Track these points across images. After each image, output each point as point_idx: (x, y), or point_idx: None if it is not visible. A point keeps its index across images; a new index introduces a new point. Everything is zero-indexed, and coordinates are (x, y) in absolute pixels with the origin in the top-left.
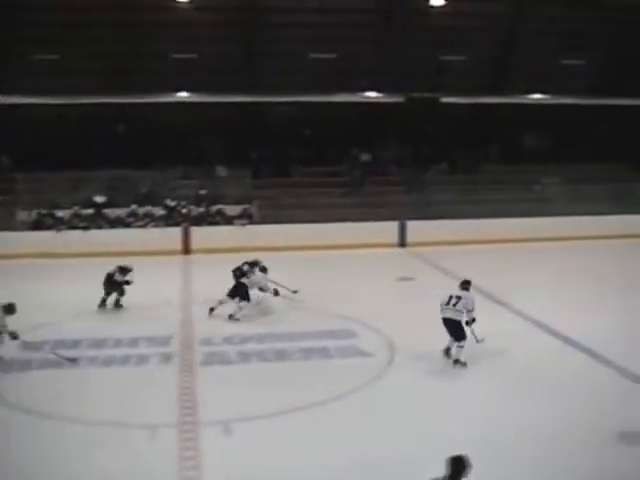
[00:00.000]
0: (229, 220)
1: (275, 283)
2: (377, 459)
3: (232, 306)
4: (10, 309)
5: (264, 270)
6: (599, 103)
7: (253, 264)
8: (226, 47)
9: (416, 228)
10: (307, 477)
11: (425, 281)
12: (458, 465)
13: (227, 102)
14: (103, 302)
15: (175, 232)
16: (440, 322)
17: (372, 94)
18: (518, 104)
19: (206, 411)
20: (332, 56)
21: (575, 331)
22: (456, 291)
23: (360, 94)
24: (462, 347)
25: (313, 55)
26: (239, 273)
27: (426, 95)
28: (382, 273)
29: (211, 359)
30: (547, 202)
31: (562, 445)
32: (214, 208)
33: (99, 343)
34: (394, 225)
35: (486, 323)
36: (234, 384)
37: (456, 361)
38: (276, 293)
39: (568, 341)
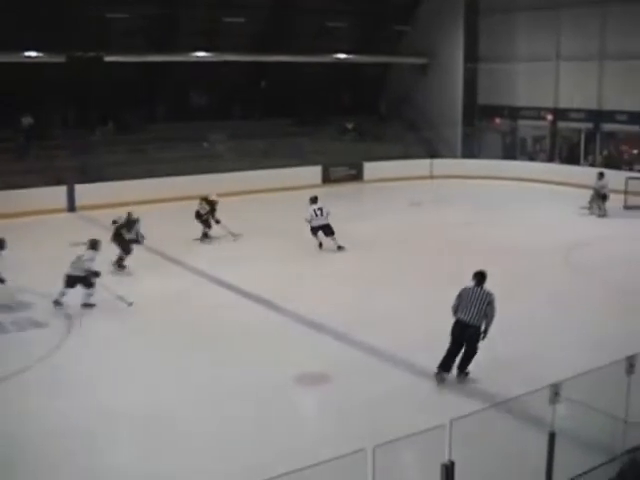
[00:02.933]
0: None
1: None
2: (63, 428)
3: None
4: None
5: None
6: (260, 60)
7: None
8: None
9: (85, 191)
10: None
11: None
12: (482, 275)
13: None
14: None
15: None
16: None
17: (32, 54)
18: (183, 62)
19: None
20: None
21: (249, 284)
22: (318, 205)
23: (20, 54)
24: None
25: None
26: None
27: (89, 54)
28: (53, 239)
29: None
30: (216, 159)
31: (244, 393)
32: None
33: None
34: (62, 190)
35: (161, 282)
36: None
37: (339, 247)
38: None
39: (244, 294)
